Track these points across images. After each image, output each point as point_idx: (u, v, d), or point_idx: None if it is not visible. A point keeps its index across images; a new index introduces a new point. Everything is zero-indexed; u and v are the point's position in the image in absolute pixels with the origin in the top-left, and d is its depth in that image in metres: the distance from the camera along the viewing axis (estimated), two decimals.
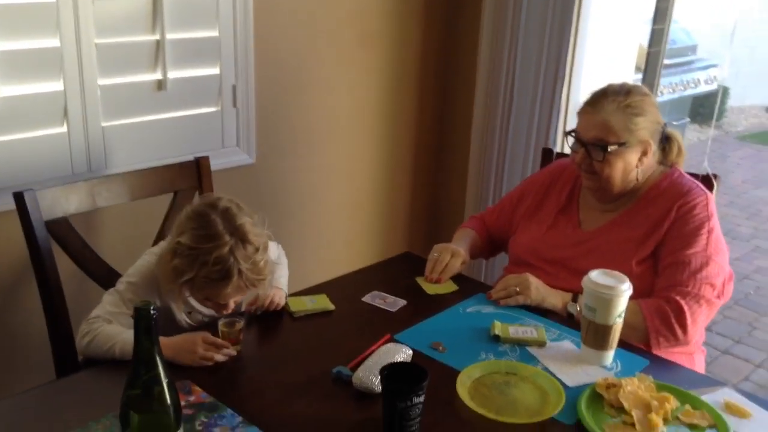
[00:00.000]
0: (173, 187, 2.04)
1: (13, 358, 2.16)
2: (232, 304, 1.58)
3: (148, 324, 1.07)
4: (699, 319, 1.74)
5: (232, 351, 1.52)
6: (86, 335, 1.52)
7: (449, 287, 1.91)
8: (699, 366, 1.88)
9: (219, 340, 1.53)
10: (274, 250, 1.78)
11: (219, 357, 1.50)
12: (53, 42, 1.99)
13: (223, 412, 1.35)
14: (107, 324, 1.54)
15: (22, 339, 2.15)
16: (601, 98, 1.83)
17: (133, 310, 1.06)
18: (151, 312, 1.06)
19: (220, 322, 1.56)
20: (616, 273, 1.59)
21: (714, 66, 7.39)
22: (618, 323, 1.56)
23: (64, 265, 1.85)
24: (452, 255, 1.95)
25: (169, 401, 1.10)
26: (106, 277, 1.90)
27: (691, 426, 1.37)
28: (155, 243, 1.99)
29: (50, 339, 1.80)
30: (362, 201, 3.08)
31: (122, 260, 1.94)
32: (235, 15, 2.35)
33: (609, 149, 1.79)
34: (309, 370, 1.51)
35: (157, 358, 1.09)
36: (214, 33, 2.33)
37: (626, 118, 1.79)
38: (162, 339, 1.41)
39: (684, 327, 1.72)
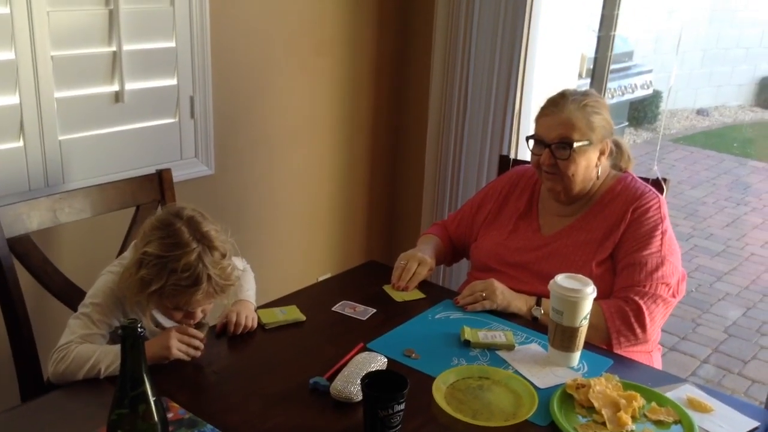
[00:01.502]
0: (135, 201, 2.01)
1: None
2: (199, 314, 1.58)
3: (135, 341, 1.07)
4: (657, 318, 1.82)
5: (201, 344, 1.56)
6: (60, 361, 1.49)
7: (416, 294, 1.94)
8: (657, 363, 1.95)
9: (190, 330, 1.55)
10: (240, 265, 1.79)
11: (192, 352, 1.54)
12: (8, 55, 1.95)
13: (203, 427, 1.35)
14: (81, 345, 1.51)
15: None
16: (561, 99, 1.90)
17: (120, 328, 1.06)
18: (138, 330, 1.06)
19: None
20: (581, 276, 1.64)
21: (649, 72, 7.64)
22: (584, 325, 1.61)
23: (24, 280, 1.81)
24: (419, 263, 1.98)
25: (156, 418, 1.10)
26: (68, 293, 1.87)
27: (657, 423, 1.43)
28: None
29: (14, 360, 1.76)
30: (320, 210, 3.09)
31: (84, 276, 1.90)
32: (191, 26, 2.33)
33: (574, 146, 1.85)
34: (285, 382, 1.51)
35: (144, 376, 1.08)
36: (171, 44, 2.31)
37: (587, 116, 1.86)
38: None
39: (643, 326, 1.78)
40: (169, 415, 1.37)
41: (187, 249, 1.49)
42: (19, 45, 1.96)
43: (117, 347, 1.50)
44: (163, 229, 1.51)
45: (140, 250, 1.51)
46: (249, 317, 1.71)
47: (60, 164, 2.12)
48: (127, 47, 2.18)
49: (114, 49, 2.16)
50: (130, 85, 2.22)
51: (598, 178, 1.93)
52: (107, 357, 1.48)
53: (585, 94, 1.90)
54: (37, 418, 1.40)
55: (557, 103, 1.89)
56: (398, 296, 1.92)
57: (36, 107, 2.03)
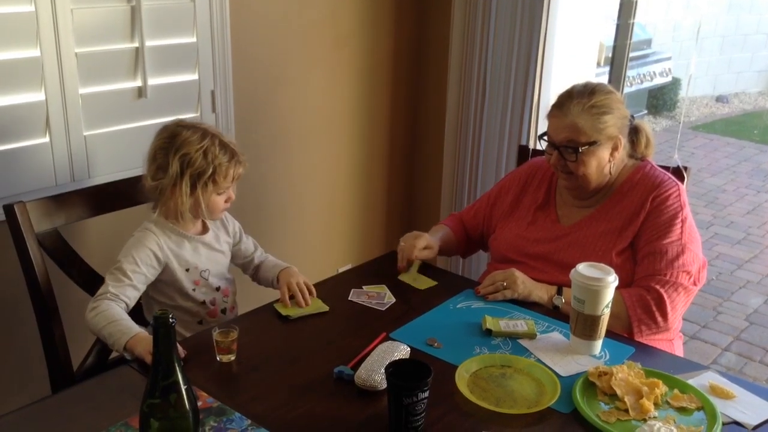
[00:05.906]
0: None
1: (6, 371, 2.14)
2: (233, 194, 1.83)
3: (167, 331, 1.09)
4: (678, 306, 1.82)
5: None
6: (91, 311, 1.65)
7: (428, 282, 1.95)
8: (678, 351, 1.95)
9: None
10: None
11: None
12: (33, 52, 1.98)
13: (231, 416, 1.38)
14: (113, 303, 1.66)
15: (16, 352, 2.13)
16: (566, 101, 1.88)
17: (153, 318, 1.08)
18: (170, 320, 1.08)
19: (215, 332, 1.57)
20: (602, 265, 1.65)
21: (668, 59, 7.57)
22: (606, 313, 1.62)
23: (52, 273, 1.84)
24: (415, 238, 2.01)
25: (187, 407, 1.13)
26: (96, 286, 1.89)
27: (680, 409, 1.44)
28: None
29: (44, 351, 1.80)
30: (340, 201, 3.11)
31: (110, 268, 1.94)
32: (212, 21, 2.35)
33: (580, 150, 1.85)
34: (310, 371, 1.54)
35: (176, 365, 1.11)
36: (192, 39, 2.34)
37: (593, 118, 1.85)
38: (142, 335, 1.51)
39: (664, 315, 1.79)
40: (198, 404, 1.39)
41: (209, 135, 1.76)
42: (44, 42, 1.99)
43: (125, 326, 1.59)
44: (179, 135, 1.74)
45: (175, 159, 1.71)
46: (301, 280, 1.85)
47: (85, 159, 2.15)
48: (149, 43, 2.21)
49: (136, 45, 2.19)
50: (153, 81, 2.25)
51: (611, 173, 1.92)
52: (113, 335, 1.59)
53: (593, 92, 1.87)
54: (68, 408, 1.42)
55: (562, 106, 1.88)
56: (418, 284, 1.94)
57: (61, 103, 2.06)
